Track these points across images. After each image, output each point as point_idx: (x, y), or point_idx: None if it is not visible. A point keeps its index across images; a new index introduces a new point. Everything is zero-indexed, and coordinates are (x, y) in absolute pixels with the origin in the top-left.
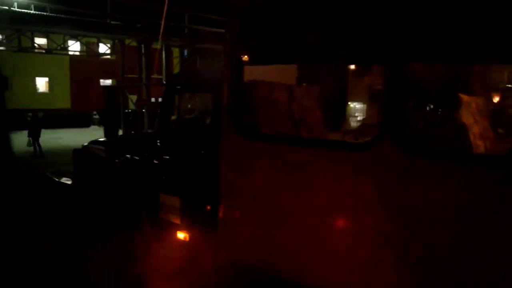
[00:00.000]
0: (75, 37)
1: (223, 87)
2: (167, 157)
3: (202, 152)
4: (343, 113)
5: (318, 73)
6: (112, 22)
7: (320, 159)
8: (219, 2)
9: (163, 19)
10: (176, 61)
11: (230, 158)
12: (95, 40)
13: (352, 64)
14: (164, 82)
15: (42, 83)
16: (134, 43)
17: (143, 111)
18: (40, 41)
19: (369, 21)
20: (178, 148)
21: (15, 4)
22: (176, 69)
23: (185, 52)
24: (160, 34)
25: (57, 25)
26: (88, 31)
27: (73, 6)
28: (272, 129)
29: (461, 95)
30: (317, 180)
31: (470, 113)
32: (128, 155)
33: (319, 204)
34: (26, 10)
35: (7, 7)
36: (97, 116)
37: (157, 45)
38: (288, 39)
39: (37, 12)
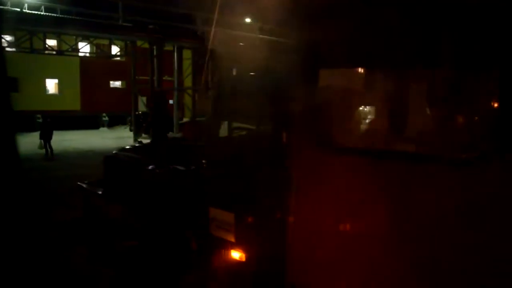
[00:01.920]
0: (86, 39)
1: (294, 93)
2: (218, 167)
3: (259, 162)
4: (430, 123)
5: (399, 78)
6: (124, 24)
7: (407, 175)
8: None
9: (213, 25)
10: (187, 63)
11: (303, 171)
12: (106, 41)
13: (460, 70)
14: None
15: (52, 85)
16: (145, 45)
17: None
18: (51, 42)
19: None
20: (230, 158)
21: (26, 5)
22: (188, 71)
23: None
24: (210, 40)
25: (69, 26)
26: (101, 32)
27: (84, 8)
28: (350, 141)
29: None
30: (402, 199)
31: None
32: (170, 165)
33: (406, 226)
34: (36, 12)
35: (18, 9)
36: (106, 118)
37: (169, 47)
38: (375, 38)
39: (48, 14)
